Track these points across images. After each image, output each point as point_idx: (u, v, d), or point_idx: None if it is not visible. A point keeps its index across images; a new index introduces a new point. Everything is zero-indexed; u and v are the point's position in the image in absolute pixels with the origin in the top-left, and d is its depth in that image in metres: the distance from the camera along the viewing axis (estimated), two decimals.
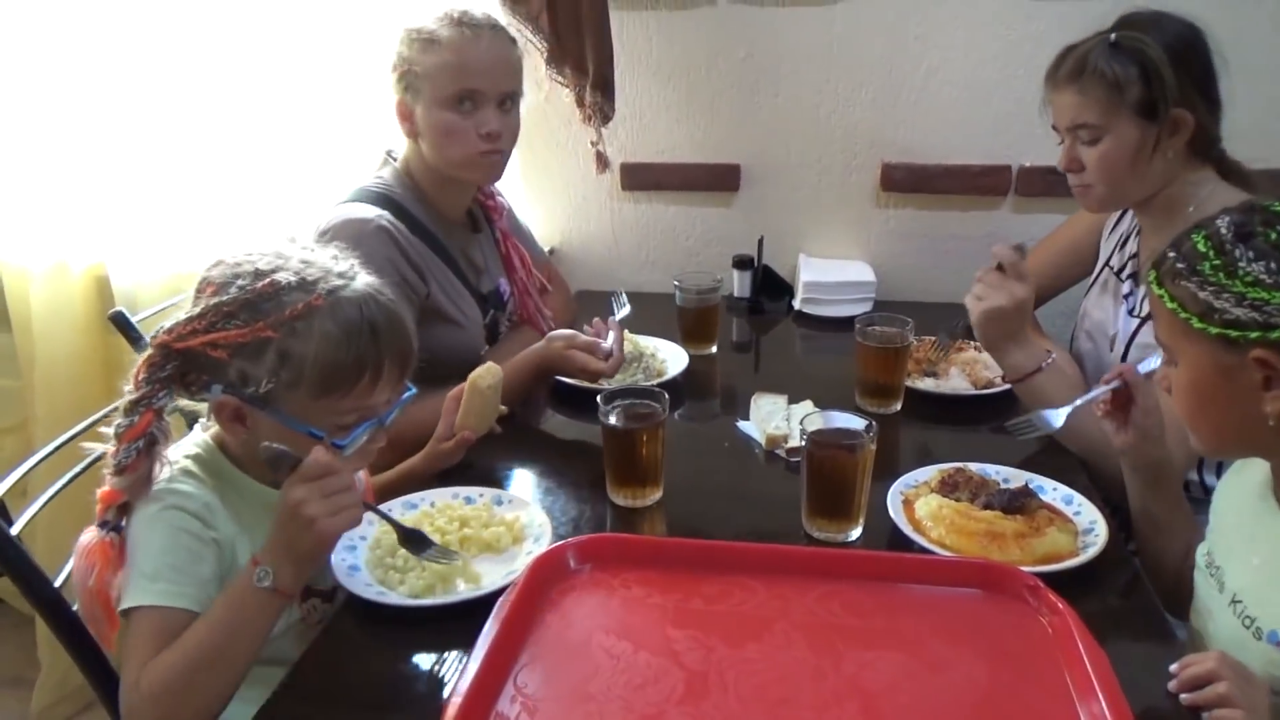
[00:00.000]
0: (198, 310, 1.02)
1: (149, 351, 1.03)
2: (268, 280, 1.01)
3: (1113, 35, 1.43)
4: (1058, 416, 1.32)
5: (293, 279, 1.02)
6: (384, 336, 1.05)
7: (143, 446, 1.00)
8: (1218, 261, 0.93)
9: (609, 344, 1.56)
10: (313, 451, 0.99)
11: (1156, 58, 1.39)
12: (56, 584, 1.15)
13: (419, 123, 1.58)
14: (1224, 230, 0.95)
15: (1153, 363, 1.30)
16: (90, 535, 1.05)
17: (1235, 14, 1.82)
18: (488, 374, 1.37)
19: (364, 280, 1.08)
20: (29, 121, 2.01)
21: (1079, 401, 1.29)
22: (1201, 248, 0.95)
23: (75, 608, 1.10)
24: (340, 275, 1.06)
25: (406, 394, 1.13)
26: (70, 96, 1.99)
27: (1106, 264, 1.69)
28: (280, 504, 0.99)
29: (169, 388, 1.03)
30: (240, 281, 1.02)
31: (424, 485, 1.33)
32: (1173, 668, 0.94)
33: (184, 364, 1.03)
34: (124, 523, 1.04)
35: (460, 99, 1.54)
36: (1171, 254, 0.99)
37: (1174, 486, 1.24)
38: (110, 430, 1.02)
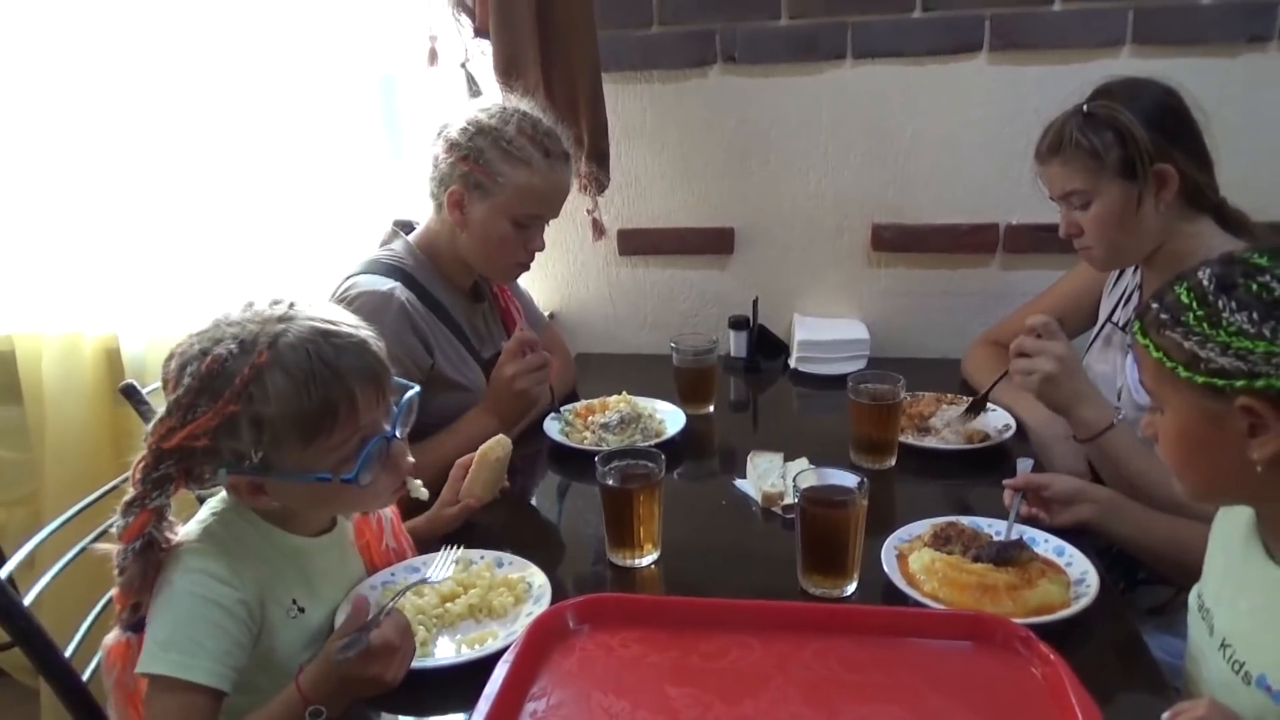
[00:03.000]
0: (166, 409, 1.02)
1: (142, 453, 1.04)
2: (210, 358, 1.00)
3: (1085, 106, 1.50)
4: (1013, 530, 1.32)
5: (233, 347, 1.01)
6: (342, 367, 1.03)
7: (138, 549, 1.00)
8: (1201, 312, 0.96)
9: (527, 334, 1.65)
10: (383, 637, 1.00)
11: (1127, 121, 1.45)
12: (66, 653, 1.17)
13: (471, 218, 1.65)
14: (1205, 281, 0.97)
15: (1026, 462, 1.43)
16: (113, 635, 1.06)
17: (1210, 76, 1.89)
18: (498, 446, 1.41)
19: (306, 317, 1.05)
20: (45, 195, 2.08)
21: (1011, 521, 1.32)
22: (1184, 299, 0.97)
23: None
24: (279, 321, 1.03)
25: (408, 394, 1.13)
26: (81, 170, 2.06)
27: (1109, 319, 1.73)
28: (348, 676, 0.99)
29: (163, 488, 1.03)
30: (189, 369, 1.01)
31: (424, 547, 1.35)
32: (1165, 716, 0.94)
33: (181, 460, 1.02)
34: (143, 620, 1.03)
35: (528, 220, 1.65)
36: (1155, 305, 1.01)
37: (1135, 513, 1.33)
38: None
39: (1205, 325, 0.95)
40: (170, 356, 1.05)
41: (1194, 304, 0.96)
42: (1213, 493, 1.08)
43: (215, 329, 1.04)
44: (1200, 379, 0.95)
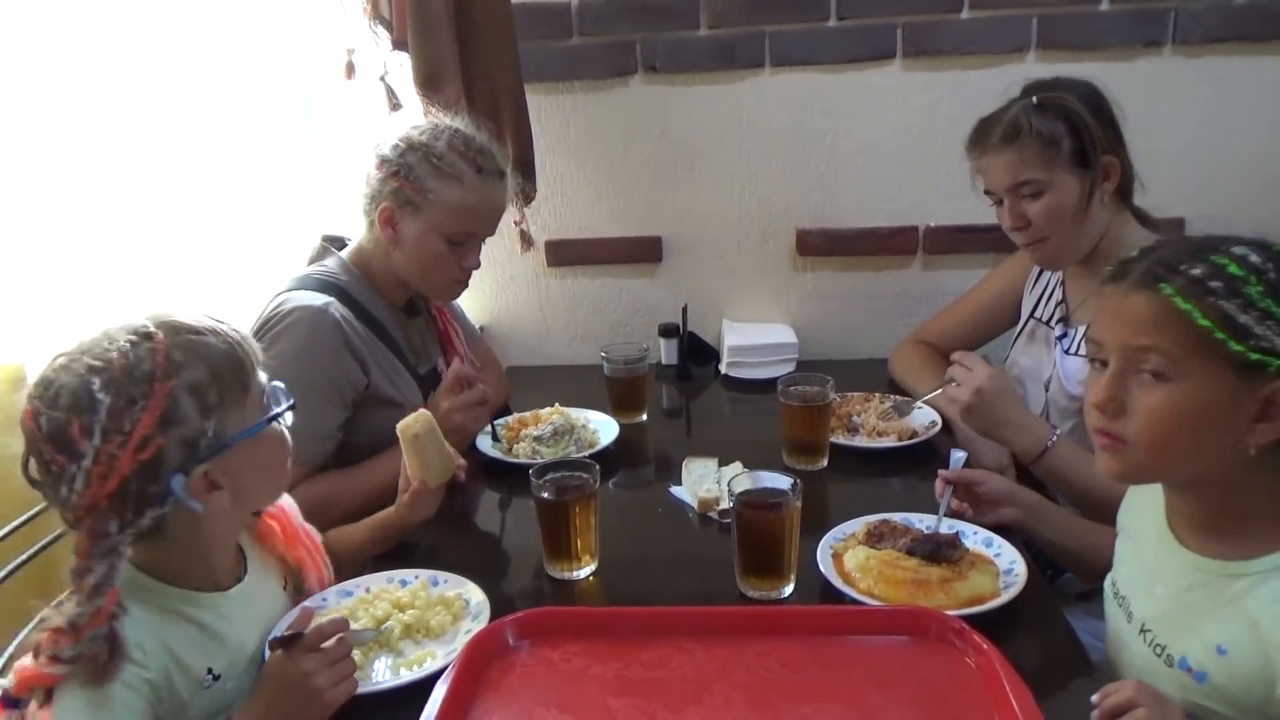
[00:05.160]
0: (87, 460, 0.91)
1: (79, 535, 0.93)
2: (108, 365, 0.93)
3: (1034, 98, 1.52)
4: (942, 523, 1.34)
5: (123, 344, 0.95)
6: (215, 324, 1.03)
7: (106, 633, 0.90)
8: (1261, 288, 0.92)
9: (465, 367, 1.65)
10: (316, 625, 0.99)
11: (1078, 110, 1.48)
12: None
13: (404, 236, 1.62)
14: (1256, 259, 0.94)
15: (960, 454, 1.43)
16: None
17: (1110, 79, 1.96)
18: (415, 421, 1.34)
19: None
20: None
21: (941, 514, 1.34)
22: (1236, 270, 0.93)
23: None
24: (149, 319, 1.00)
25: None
26: None
27: (1032, 316, 1.77)
28: (279, 676, 0.96)
29: (112, 556, 0.92)
30: (91, 389, 0.92)
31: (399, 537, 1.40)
32: (1093, 698, 0.97)
33: (120, 509, 0.93)
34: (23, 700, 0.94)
35: (461, 238, 1.63)
36: (1194, 270, 0.95)
37: (1056, 518, 1.37)
38: (61, 618, 0.89)
39: (1271, 301, 0.92)
40: (37, 414, 0.94)
41: (1252, 278, 0.92)
42: (1173, 469, 1.03)
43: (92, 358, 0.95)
44: (1254, 355, 0.91)
